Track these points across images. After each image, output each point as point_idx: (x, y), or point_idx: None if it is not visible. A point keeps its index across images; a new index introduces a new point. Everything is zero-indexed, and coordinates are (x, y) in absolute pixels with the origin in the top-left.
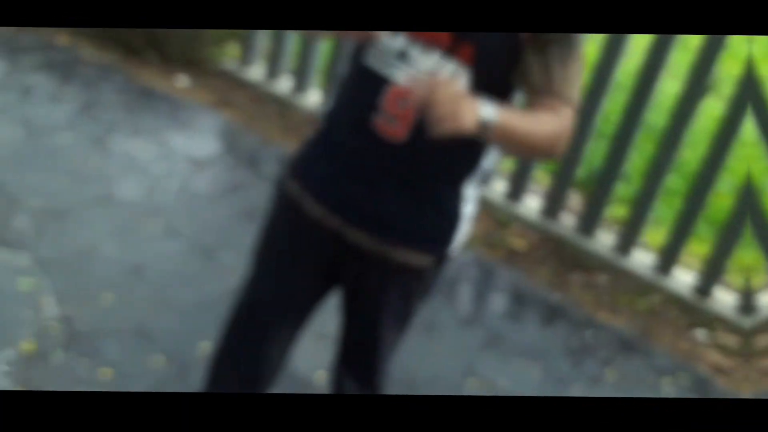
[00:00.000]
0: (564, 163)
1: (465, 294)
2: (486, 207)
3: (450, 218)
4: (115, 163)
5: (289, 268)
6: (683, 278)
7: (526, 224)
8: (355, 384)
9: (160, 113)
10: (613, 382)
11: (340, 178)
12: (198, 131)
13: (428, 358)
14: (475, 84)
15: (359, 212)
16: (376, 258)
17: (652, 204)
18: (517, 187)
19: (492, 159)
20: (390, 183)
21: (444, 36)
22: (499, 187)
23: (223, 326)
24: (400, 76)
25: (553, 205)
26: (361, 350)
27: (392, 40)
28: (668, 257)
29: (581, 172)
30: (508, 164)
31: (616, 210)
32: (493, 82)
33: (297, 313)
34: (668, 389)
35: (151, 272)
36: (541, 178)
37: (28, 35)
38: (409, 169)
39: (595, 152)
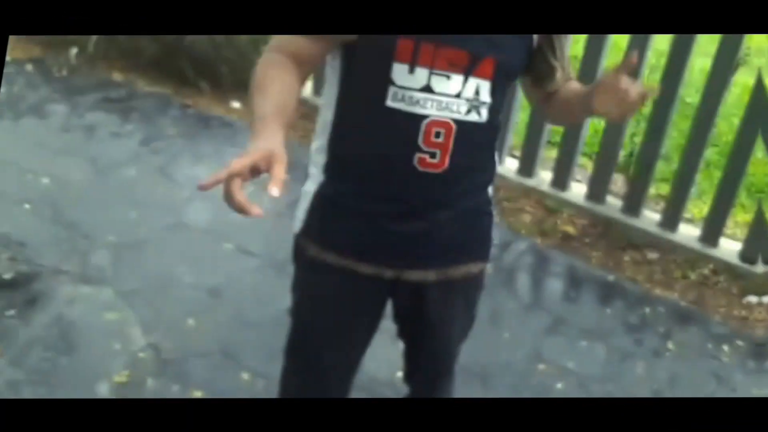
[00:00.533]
0: (606, 147)
1: (525, 282)
2: (536, 196)
3: (489, 220)
4: (181, 191)
5: (346, 327)
6: (730, 247)
7: (575, 210)
8: (430, 390)
9: (218, 138)
10: (674, 354)
11: (385, 229)
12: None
13: (497, 347)
14: (492, 92)
15: (414, 254)
16: (436, 283)
17: (693, 178)
18: (563, 175)
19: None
20: (438, 213)
21: (461, 57)
22: (545, 177)
23: (284, 377)
24: (431, 109)
25: (599, 189)
26: (435, 367)
27: (411, 78)
28: (714, 228)
29: (623, 154)
30: (552, 153)
31: (660, 188)
32: (508, 86)
33: (358, 354)
34: (728, 356)
35: (229, 293)
36: (585, 164)
37: (83, 76)
38: (452, 193)
39: (634, 134)
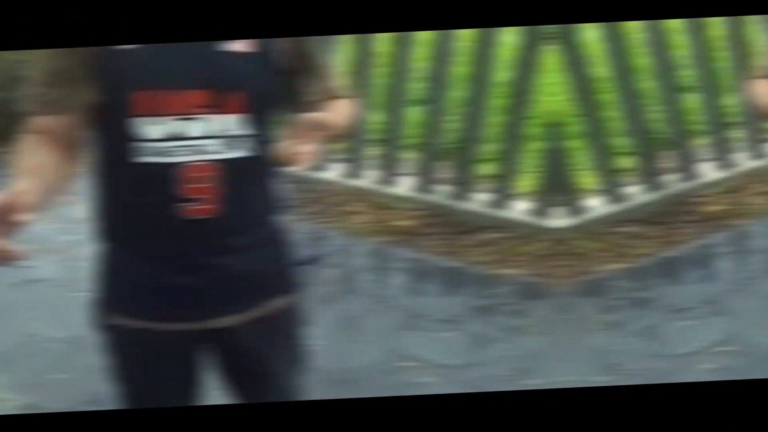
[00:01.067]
0: (427, 137)
1: (372, 283)
2: (367, 196)
3: (283, 250)
4: (23, 247)
5: (163, 387)
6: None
7: (407, 203)
8: None
9: None
10: (532, 330)
11: (170, 286)
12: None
13: (359, 352)
14: (252, 124)
15: (208, 303)
16: (244, 327)
17: (516, 155)
18: (389, 171)
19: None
20: (221, 258)
21: (204, 97)
22: (372, 175)
23: None
24: (184, 155)
25: (426, 179)
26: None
27: (154, 129)
28: (541, 200)
29: (444, 142)
30: (375, 151)
31: (486, 168)
32: (265, 115)
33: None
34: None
35: (91, 340)
36: (409, 157)
37: None
38: (230, 234)
39: (451, 121)
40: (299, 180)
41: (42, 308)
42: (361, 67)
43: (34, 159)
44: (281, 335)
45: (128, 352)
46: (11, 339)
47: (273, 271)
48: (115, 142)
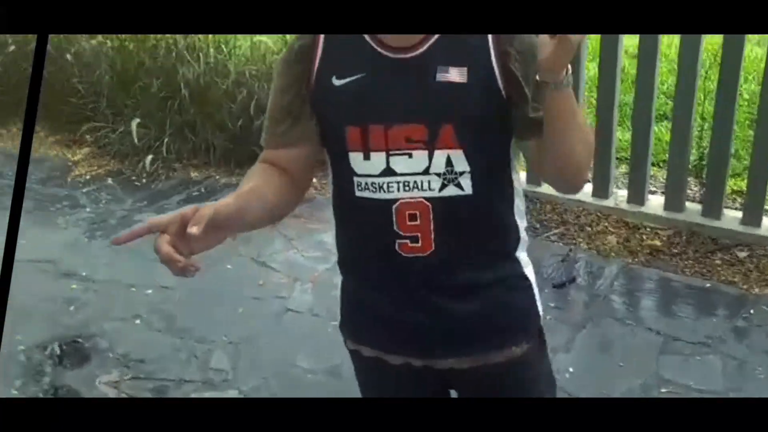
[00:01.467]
0: (675, 154)
1: (628, 305)
2: (616, 215)
3: (520, 295)
4: (281, 277)
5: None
6: None
7: (657, 222)
8: None
9: (304, 217)
10: None
11: (395, 320)
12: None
13: (616, 375)
14: (470, 159)
15: (432, 342)
16: (475, 371)
17: (766, 170)
18: (638, 189)
19: (522, 225)
20: (444, 298)
21: (418, 131)
22: (621, 194)
23: None
24: (398, 192)
25: (676, 197)
26: None
27: (369, 165)
28: None
29: (693, 159)
30: (624, 169)
31: (736, 184)
32: (482, 148)
33: None
34: None
35: (347, 371)
36: (656, 173)
37: (162, 180)
38: (451, 276)
39: (699, 137)
40: (547, 201)
41: (300, 339)
42: (604, 85)
43: (252, 183)
44: (521, 389)
45: (367, 378)
46: (271, 371)
47: (509, 317)
48: (339, 175)
